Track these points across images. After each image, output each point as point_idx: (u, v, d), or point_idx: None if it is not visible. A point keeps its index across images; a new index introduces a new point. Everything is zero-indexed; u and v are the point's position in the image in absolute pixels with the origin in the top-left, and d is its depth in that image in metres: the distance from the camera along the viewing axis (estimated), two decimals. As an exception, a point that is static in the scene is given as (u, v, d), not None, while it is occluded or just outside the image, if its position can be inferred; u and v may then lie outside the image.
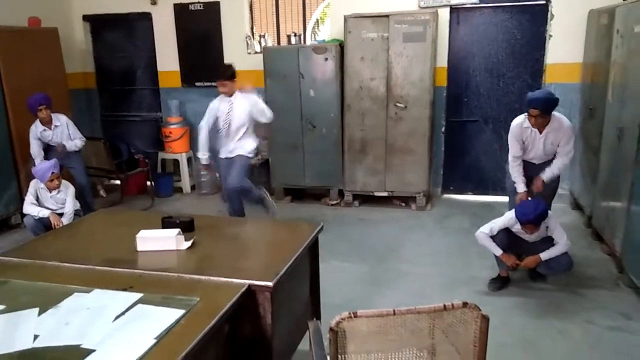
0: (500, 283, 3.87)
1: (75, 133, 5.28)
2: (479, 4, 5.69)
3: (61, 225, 4.29)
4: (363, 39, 5.50)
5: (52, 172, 4.39)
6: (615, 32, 4.29)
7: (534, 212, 3.47)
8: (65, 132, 5.21)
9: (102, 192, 6.82)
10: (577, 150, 5.29)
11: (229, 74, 4.67)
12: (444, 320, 1.68)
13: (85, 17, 7.05)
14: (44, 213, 4.39)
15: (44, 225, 4.38)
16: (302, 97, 5.82)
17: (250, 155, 4.86)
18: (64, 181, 4.59)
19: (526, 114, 3.89)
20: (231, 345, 2.16)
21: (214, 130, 4.82)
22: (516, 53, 5.77)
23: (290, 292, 2.56)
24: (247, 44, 6.50)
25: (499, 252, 3.69)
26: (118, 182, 6.52)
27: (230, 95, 4.67)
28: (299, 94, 5.81)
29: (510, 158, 4.06)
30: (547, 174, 3.96)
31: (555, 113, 3.88)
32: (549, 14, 5.55)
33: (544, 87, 5.58)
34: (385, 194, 5.87)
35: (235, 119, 4.67)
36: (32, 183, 4.52)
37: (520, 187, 4.01)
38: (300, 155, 6.00)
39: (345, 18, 5.52)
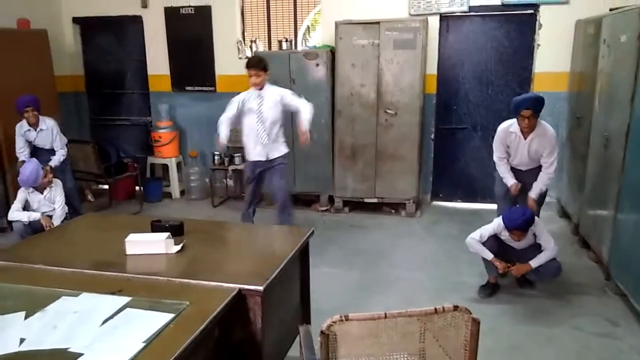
0: (490, 289, 3.89)
1: (58, 141, 5.19)
2: (469, 12, 5.75)
3: (51, 226, 4.25)
4: (354, 46, 5.52)
5: (43, 167, 4.37)
6: (602, 41, 4.35)
7: (522, 217, 3.51)
8: (49, 137, 5.15)
9: (89, 197, 6.75)
10: (565, 158, 5.36)
11: (263, 63, 4.38)
12: (434, 324, 1.69)
13: (75, 20, 7.01)
14: (35, 216, 4.32)
15: (33, 229, 4.32)
16: (293, 103, 5.81)
17: (287, 160, 4.65)
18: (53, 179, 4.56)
19: (515, 119, 3.94)
20: (221, 349, 2.14)
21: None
22: (504, 62, 5.84)
23: (281, 297, 2.54)
24: (238, 49, 6.50)
25: (490, 256, 3.71)
26: (106, 186, 6.46)
27: (261, 89, 4.40)
28: (289, 99, 5.80)
29: (495, 158, 4.13)
30: (535, 191, 4.02)
31: (541, 121, 3.93)
32: (537, 23, 5.63)
33: (532, 95, 5.64)
34: (375, 200, 5.88)
35: (269, 115, 4.39)
36: (21, 191, 4.44)
37: (510, 181, 4.06)
38: (291, 161, 5.98)
39: (337, 24, 5.55)
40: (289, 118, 4.94)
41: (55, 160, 5.12)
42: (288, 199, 4.67)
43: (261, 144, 4.48)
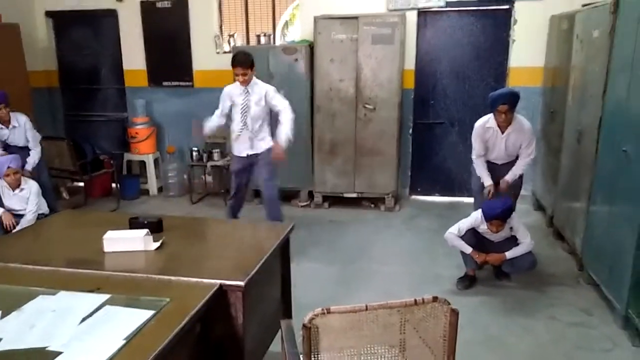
0: (467, 282, 3.95)
1: (33, 138, 5.08)
2: (446, 7, 5.80)
3: (13, 224, 4.16)
4: (332, 40, 5.53)
5: (8, 167, 4.24)
6: (575, 37, 4.44)
7: (501, 207, 3.58)
8: (22, 134, 5.04)
9: (65, 194, 6.63)
10: (539, 152, 5.45)
11: (250, 61, 4.27)
12: (414, 315, 1.71)
13: (48, 13, 6.86)
14: None
15: (1, 224, 4.23)
16: (272, 98, 5.78)
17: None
18: (28, 180, 4.45)
19: (491, 114, 4.00)
20: (202, 345, 2.14)
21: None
22: (481, 57, 5.91)
23: (262, 292, 2.55)
24: (216, 43, 6.45)
25: (469, 249, 3.77)
26: (82, 183, 6.35)
27: (247, 85, 4.34)
28: (268, 94, 5.77)
29: (474, 156, 4.18)
30: (509, 175, 4.10)
31: (517, 115, 4.00)
32: (512, 19, 5.71)
33: (507, 90, 5.72)
34: (354, 195, 5.91)
35: (253, 111, 4.36)
36: None
37: (487, 181, 4.13)
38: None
39: (315, 19, 5.55)
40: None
41: (30, 163, 5.00)
42: (276, 192, 4.63)
43: (246, 139, 4.47)
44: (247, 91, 4.36)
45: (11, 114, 4.95)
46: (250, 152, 4.49)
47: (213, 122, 4.55)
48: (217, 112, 4.53)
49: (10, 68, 5.79)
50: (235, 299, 2.16)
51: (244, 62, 4.24)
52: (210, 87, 6.39)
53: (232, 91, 4.43)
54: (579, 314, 3.55)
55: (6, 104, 4.87)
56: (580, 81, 4.30)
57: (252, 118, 4.39)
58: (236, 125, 4.47)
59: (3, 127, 4.95)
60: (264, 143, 4.49)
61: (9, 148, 5.03)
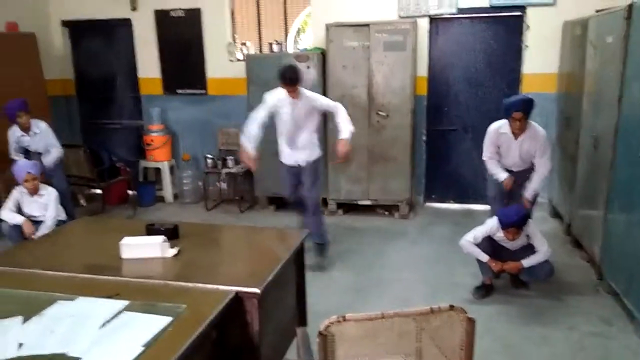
0: (484, 291, 3.90)
1: (54, 142, 5.17)
2: (457, 14, 5.79)
3: (34, 234, 4.18)
4: (345, 48, 5.55)
5: (28, 172, 4.29)
6: (589, 43, 4.41)
7: (517, 214, 3.54)
8: (43, 141, 5.10)
9: (82, 201, 6.70)
10: (555, 159, 5.39)
11: (299, 77, 4.16)
12: (430, 324, 1.70)
13: (64, 23, 6.97)
14: (17, 220, 4.27)
15: (21, 232, 4.28)
16: (285, 106, 5.81)
17: (319, 164, 4.54)
18: (47, 187, 4.50)
19: (506, 120, 3.98)
20: (218, 352, 2.15)
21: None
22: (493, 63, 5.88)
23: (277, 299, 2.55)
24: (229, 51, 6.50)
25: (485, 258, 3.73)
26: (99, 191, 6.41)
27: (296, 98, 4.24)
28: (281, 102, 5.80)
29: (485, 157, 4.16)
30: (529, 192, 4.06)
31: (531, 121, 3.97)
32: (525, 25, 5.68)
33: (521, 96, 5.69)
34: (368, 202, 5.90)
35: (301, 121, 4.31)
36: (16, 189, 4.42)
37: (502, 176, 4.09)
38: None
39: (327, 27, 5.57)
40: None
41: (49, 160, 5.06)
42: (317, 204, 4.56)
43: (292, 149, 4.43)
44: (295, 102, 4.27)
45: (31, 120, 5.02)
46: (299, 162, 4.44)
47: (254, 139, 4.23)
48: (256, 123, 4.23)
49: (28, 77, 5.89)
50: (251, 306, 2.16)
51: (293, 80, 4.12)
52: (224, 94, 6.48)
53: (280, 100, 4.28)
54: (599, 323, 3.49)
55: (26, 111, 4.94)
56: (595, 87, 4.26)
57: (300, 127, 4.34)
58: (284, 134, 4.41)
59: (24, 134, 5.03)
60: (313, 153, 4.45)
61: (29, 154, 5.10)
